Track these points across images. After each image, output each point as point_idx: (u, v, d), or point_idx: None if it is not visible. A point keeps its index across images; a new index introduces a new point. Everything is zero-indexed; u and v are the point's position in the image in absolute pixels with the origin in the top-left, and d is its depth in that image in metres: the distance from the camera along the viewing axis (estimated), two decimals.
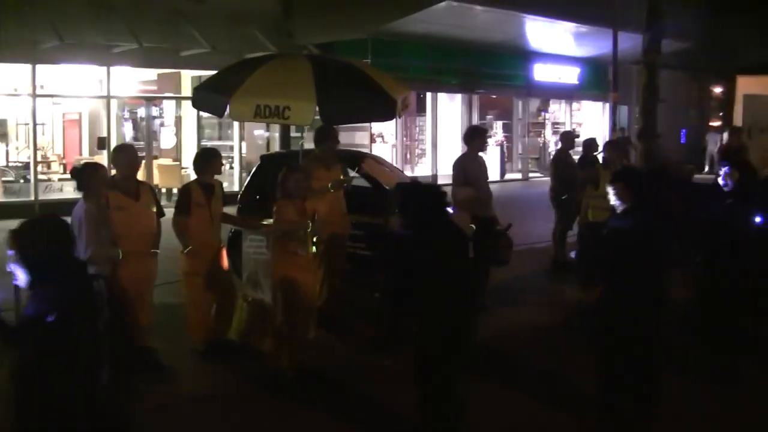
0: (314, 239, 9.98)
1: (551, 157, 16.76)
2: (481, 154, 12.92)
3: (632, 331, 7.80)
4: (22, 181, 24.84)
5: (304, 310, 9.29)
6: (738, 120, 28.99)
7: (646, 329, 7.87)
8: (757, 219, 9.82)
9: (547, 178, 21.33)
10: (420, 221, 7.27)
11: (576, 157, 16.12)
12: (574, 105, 39.03)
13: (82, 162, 15.99)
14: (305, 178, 9.52)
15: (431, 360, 7.17)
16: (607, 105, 34.92)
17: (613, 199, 8.10)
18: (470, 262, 7.80)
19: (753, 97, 29.81)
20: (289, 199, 9.32)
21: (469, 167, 12.38)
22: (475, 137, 12.78)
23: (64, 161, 27.19)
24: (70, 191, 21.79)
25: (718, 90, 44.63)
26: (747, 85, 30.78)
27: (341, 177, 11.50)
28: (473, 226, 11.90)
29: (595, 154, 15.73)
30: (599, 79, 37.06)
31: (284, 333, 9.19)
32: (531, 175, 35.71)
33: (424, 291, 7.12)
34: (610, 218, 8.41)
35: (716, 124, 43.79)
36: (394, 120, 13.12)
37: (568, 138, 16.50)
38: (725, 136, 33.61)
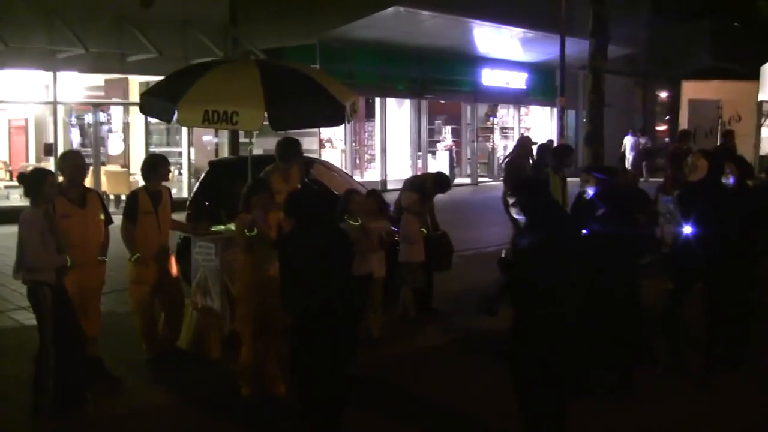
0: None
1: (502, 161, 16.69)
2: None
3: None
4: None
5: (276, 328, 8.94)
6: (684, 124, 29.30)
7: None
8: (688, 230, 9.58)
9: (496, 183, 21.49)
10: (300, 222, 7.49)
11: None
12: (522, 110, 39.28)
13: (30, 168, 15.84)
14: (270, 197, 9.22)
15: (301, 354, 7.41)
16: (555, 110, 35.20)
17: (514, 212, 8.02)
18: (346, 266, 7.68)
19: (698, 102, 30.15)
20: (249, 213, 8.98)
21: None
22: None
23: (10, 168, 26.90)
24: (16, 198, 21.57)
25: (663, 95, 45.13)
26: (692, 90, 31.13)
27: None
28: (424, 230, 11.98)
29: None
30: (547, 85, 37.37)
31: (257, 353, 8.82)
32: (480, 179, 35.86)
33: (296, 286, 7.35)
34: (518, 235, 8.23)
35: (663, 128, 44.33)
36: (344, 125, 13.08)
37: (524, 144, 16.47)
38: (642, 140, 34.15)
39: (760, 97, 29.10)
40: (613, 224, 8.53)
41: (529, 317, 7.12)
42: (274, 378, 8.82)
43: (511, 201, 7.46)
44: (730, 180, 10.26)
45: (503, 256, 7.35)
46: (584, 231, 8.42)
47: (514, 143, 30.35)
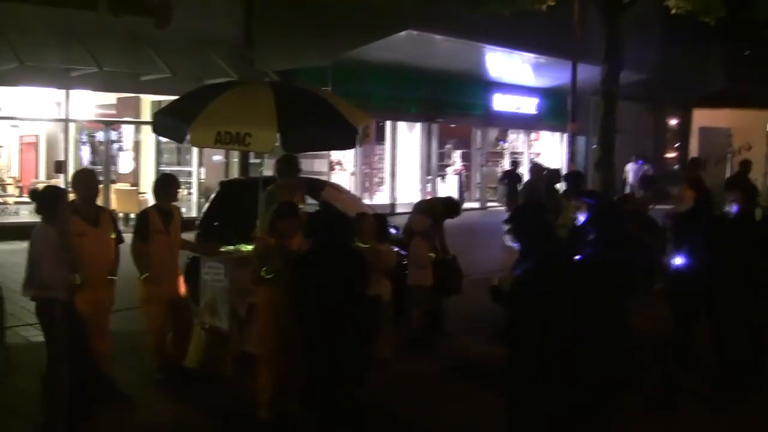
0: None
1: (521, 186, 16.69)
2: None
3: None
4: None
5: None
6: (694, 152, 29.30)
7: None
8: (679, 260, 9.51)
9: (505, 207, 21.54)
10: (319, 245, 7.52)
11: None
12: (533, 135, 39.26)
13: (43, 185, 15.87)
14: (299, 223, 9.09)
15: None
16: (565, 135, 35.18)
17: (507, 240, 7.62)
18: (358, 295, 7.68)
19: (708, 130, 30.20)
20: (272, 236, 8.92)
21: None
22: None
23: (20, 184, 26.94)
24: (26, 214, 21.60)
25: (673, 122, 45.12)
26: (702, 117, 31.22)
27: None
28: (432, 255, 11.99)
29: (557, 185, 15.85)
30: (558, 110, 37.30)
31: (279, 376, 8.71)
32: (489, 204, 35.82)
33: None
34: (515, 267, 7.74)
35: (672, 155, 44.27)
36: (356, 148, 13.11)
37: (537, 171, 16.50)
38: (645, 167, 33.88)
39: None
40: (605, 249, 8.32)
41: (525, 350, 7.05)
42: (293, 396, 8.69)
43: (505, 228, 7.28)
44: (733, 208, 10.01)
45: (495, 284, 7.19)
46: (577, 257, 8.32)
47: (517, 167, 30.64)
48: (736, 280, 9.38)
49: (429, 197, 24.63)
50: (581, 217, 8.68)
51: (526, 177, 23.96)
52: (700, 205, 9.48)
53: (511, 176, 23.17)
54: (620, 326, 8.58)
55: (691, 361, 9.99)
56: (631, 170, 32.74)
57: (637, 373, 9.08)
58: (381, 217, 11.56)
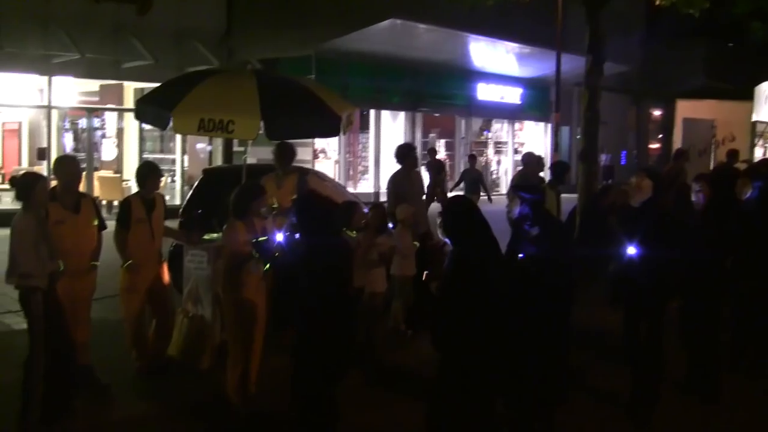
0: None
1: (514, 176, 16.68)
2: (416, 170, 13.02)
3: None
4: None
5: (257, 334, 8.90)
6: (677, 143, 29.39)
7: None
8: (633, 250, 8.86)
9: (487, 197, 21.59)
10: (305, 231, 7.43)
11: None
12: (516, 125, 39.30)
13: (23, 171, 15.78)
14: (264, 199, 9.19)
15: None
16: (549, 126, 35.27)
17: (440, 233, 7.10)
18: (345, 283, 7.55)
19: (691, 121, 30.29)
20: (240, 219, 8.93)
21: (401, 184, 12.46)
22: (405, 155, 12.86)
23: (2, 171, 26.83)
24: (8, 201, 21.51)
25: (657, 113, 45.24)
26: (686, 109, 31.30)
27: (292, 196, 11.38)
28: (417, 243, 11.96)
29: (540, 174, 15.89)
30: (541, 100, 37.44)
31: (235, 359, 8.78)
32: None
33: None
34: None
35: (655, 146, 44.41)
36: (338, 136, 13.11)
37: (530, 160, 16.43)
38: (602, 158, 33.71)
39: (754, 118, 29.23)
40: (549, 246, 7.87)
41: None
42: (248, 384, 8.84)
43: (438, 221, 6.90)
44: (700, 198, 9.74)
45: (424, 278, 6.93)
46: (520, 254, 7.93)
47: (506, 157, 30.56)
48: (682, 273, 9.07)
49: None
50: (515, 212, 8.10)
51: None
52: (656, 196, 9.01)
53: (435, 165, 22.87)
54: (559, 328, 8.21)
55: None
56: (605, 159, 32.66)
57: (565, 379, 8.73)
58: (383, 208, 11.52)
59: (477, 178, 22.93)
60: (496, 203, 15.94)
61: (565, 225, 13.49)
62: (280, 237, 8.89)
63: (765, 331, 10.72)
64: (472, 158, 24.99)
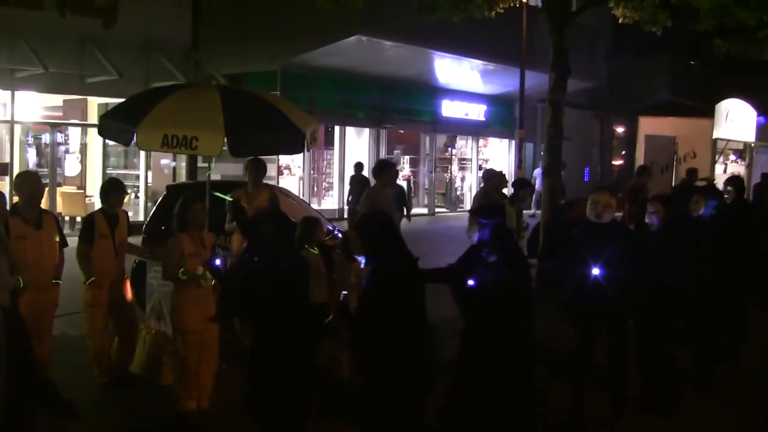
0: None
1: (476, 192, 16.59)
2: (388, 189, 13.03)
3: None
4: None
5: (202, 346, 9.08)
6: (640, 159, 29.64)
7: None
8: (596, 271, 8.78)
9: (453, 214, 21.58)
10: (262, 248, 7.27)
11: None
12: (481, 141, 39.44)
13: None
14: (203, 208, 9.38)
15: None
16: (513, 142, 35.40)
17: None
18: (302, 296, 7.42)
19: (653, 138, 30.55)
20: (184, 231, 9.05)
21: (377, 201, 12.45)
22: (384, 171, 12.88)
23: None
24: None
25: (620, 129, 45.56)
26: (649, 125, 31.56)
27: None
28: None
29: (504, 190, 16.03)
30: (506, 117, 37.62)
31: (184, 370, 9.02)
32: (437, 210, 35.93)
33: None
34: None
35: (618, 162, 44.70)
36: (302, 153, 13.11)
37: (491, 176, 16.51)
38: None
39: (715, 135, 29.55)
40: (506, 274, 7.38)
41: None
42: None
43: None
44: (654, 220, 9.71)
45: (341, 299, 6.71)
46: (471, 282, 7.49)
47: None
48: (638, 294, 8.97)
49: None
50: (475, 238, 7.70)
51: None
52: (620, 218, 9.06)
53: (360, 181, 22.38)
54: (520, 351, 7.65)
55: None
56: (538, 175, 32.37)
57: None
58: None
59: (398, 194, 22.25)
60: (454, 219, 15.94)
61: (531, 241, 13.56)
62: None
63: (716, 349, 11.04)
64: (359, 166, 24.57)
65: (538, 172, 32.63)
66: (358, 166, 24.13)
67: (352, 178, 23.06)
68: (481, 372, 7.33)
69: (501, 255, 7.48)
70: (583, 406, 9.10)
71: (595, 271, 8.77)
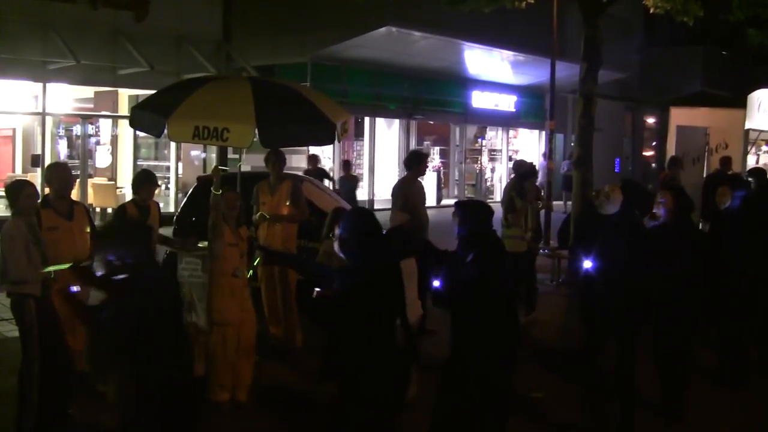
0: (255, 263, 10.01)
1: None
2: (420, 178, 12.98)
3: None
4: None
5: (237, 336, 9.19)
6: (671, 151, 29.42)
7: None
8: (588, 264, 8.58)
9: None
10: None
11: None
12: (511, 132, 39.32)
13: (14, 179, 15.76)
14: (236, 198, 9.51)
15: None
16: (543, 133, 35.25)
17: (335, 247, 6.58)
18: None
19: (685, 129, 30.28)
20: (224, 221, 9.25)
21: (409, 192, 12.42)
22: (416, 162, 12.84)
23: None
24: (1, 209, 21.47)
25: (651, 120, 45.29)
26: (680, 116, 31.22)
27: (287, 203, 11.43)
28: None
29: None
30: (536, 108, 37.49)
31: (215, 358, 9.15)
32: None
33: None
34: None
35: (649, 153, 44.44)
36: (334, 143, 13.10)
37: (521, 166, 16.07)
38: (564, 166, 33.12)
39: (747, 125, 29.26)
40: (483, 272, 7.04)
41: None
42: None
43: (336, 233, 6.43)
44: (661, 212, 9.33)
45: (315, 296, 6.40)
46: (436, 283, 7.25)
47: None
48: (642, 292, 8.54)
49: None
50: (455, 231, 7.40)
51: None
52: (624, 209, 8.61)
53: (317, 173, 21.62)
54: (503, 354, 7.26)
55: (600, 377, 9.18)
56: (566, 166, 32.04)
57: None
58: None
59: (354, 187, 21.82)
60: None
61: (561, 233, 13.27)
62: None
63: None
64: (347, 165, 23.75)
65: (566, 163, 32.43)
66: (313, 159, 23.09)
67: (306, 171, 21.92)
68: (455, 377, 7.10)
69: (478, 254, 7.11)
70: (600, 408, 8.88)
71: (587, 264, 8.58)
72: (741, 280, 10.23)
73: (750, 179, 12.63)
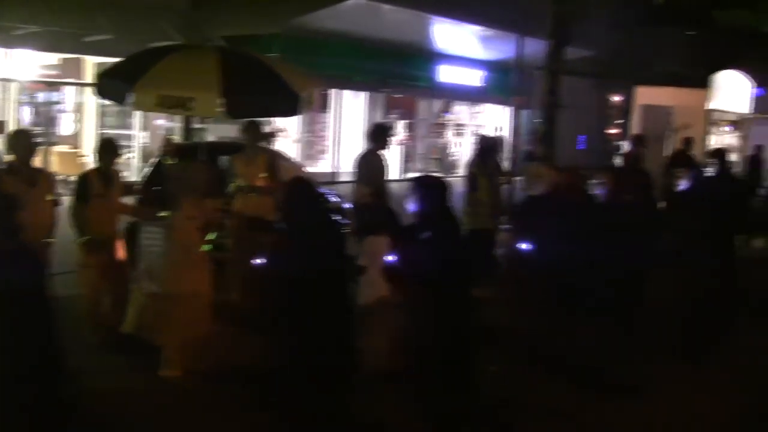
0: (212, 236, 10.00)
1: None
2: (382, 152, 12.98)
3: None
4: None
5: (190, 308, 9.21)
6: (635, 129, 29.66)
7: None
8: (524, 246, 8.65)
9: (448, 179, 21.49)
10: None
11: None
12: (477, 107, 39.36)
13: None
14: (198, 169, 9.52)
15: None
16: (510, 109, 35.33)
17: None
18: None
19: (649, 108, 30.51)
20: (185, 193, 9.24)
21: (371, 165, 12.45)
22: (379, 135, 12.85)
23: None
24: None
25: (617, 98, 45.45)
26: (645, 95, 31.49)
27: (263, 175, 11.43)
28: None
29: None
30: (503, 83, 37.46)
31: (168, 330, 9.17)
32: (432, 174, 35.91)
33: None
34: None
35: (615, 131, 44.66)
36: (299, 115, 13.12)
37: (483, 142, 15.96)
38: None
39: (710, 106, 29.56)
40: (439, 251, 6.97)
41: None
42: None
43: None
44: (600, 191, 9.34)
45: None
46: (391, 258, 7.34)
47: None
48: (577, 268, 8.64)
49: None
50: (411, 207, 7.29)
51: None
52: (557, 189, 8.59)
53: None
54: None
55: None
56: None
57: None
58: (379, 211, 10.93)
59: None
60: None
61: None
62: None
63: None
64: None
65: (529, 139, 32.46)
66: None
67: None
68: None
69: (435, 232, 7.08)
70: None
71: (523, 245, 8.61)
72: (695, 261, 10.34)
73: (711, 160, 12.64)
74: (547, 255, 8.33)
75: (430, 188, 7.44)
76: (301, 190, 6.92)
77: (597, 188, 9.27)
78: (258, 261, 8.53)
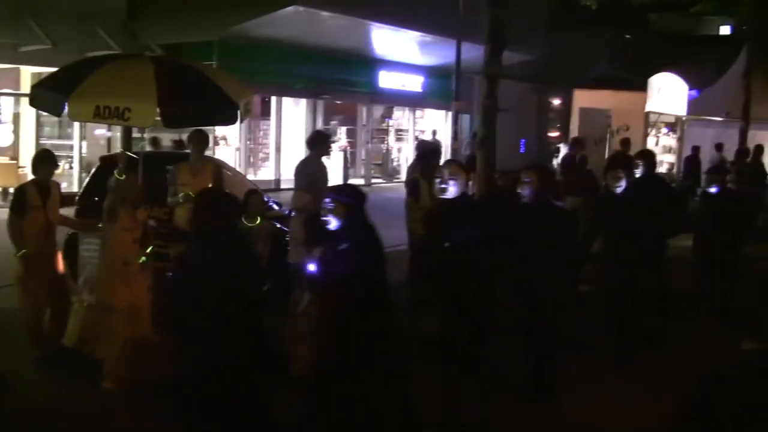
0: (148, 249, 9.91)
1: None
2: (323, 158, 12.99)
3: None
4: None
5: (128, 319, 9.16)
6: (574, 132, 29.96)
7: None
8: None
9: (390, 184, 21.57)
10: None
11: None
12: (418, 112, 39.54)
13: None
14: (135, 180, 9.49)
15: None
16: (450, 113, 35.51)
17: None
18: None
19: (588, 111, 30.84)
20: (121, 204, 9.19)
21: (311, 172, 12.45)
22: (319, 142, 12.86)
23: None
24: None
25: (556, 102, 45.85)
26: (583, 98, 31.83)
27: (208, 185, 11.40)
28: None
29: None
30: (443, 88, 37.66)
31: (107, 341, 9.12)
32: (374, 180, 36.03)
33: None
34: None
35: (555, 134, 45.06)
36: (239, 123, 13.08)
37: (423, 147, 16.05)
38: (463, 148, 33.29)
39: (647, 108, 29.93)
40: (357, 263, 6.90)
41: None
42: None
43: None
44: (526, 191, 9.03)
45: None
46: (312, 268, 7.30)
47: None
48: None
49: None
50: (334, 223, 7.12)
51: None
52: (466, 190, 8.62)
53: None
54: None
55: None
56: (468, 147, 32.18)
57: None
58: (258, 194, 11.19)
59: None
60: (391, 190, 15.78)
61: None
62: None
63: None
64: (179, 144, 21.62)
65: (469, 143, 32.56)
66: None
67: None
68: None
69: (353, 243, 6.99)
70: None
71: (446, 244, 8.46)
72: (626, 260, 10.50)
73: (638, 161, 12.71)
74: (459, 257, 8.22)
75: (352, 194, 7.37)
76: (209, 201, 6.92)
77: (522, 188, 9.06)
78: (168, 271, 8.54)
